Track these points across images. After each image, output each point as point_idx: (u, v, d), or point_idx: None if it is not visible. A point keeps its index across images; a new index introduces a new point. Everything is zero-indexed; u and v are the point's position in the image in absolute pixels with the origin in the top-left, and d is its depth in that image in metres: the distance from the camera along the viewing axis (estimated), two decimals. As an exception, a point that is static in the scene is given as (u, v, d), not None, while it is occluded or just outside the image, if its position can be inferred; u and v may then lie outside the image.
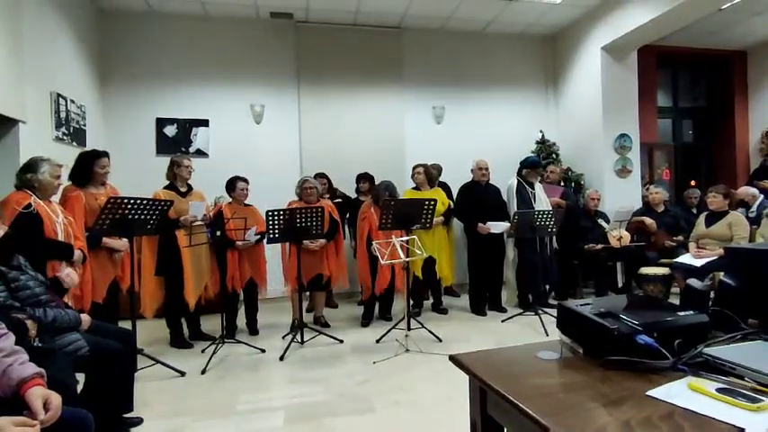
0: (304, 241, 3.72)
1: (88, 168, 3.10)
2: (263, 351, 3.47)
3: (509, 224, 4.20)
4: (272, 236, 3.47)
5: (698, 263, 3.79)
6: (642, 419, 0.83)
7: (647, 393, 0.92)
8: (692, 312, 1.15)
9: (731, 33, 6.13)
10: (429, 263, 4.31)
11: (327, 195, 4.78)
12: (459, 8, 5.23)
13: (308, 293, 4.29)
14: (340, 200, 4.89)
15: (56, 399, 1.23)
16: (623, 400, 0.90)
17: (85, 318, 2.14)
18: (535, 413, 0.87)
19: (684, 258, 3.98)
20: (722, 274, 1.42)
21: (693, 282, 3.70)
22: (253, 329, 4.02)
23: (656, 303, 1.54)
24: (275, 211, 3.45)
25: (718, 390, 0.89)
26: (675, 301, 3.74)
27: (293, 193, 4.12)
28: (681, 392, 0.91)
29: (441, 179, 4.97)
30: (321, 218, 3.59)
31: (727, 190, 4.10)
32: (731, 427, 0.78)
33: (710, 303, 1.34)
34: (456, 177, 5.06)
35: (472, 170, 4.64)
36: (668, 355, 1.02)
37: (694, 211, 5.16)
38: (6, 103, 3.22)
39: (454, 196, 4.79)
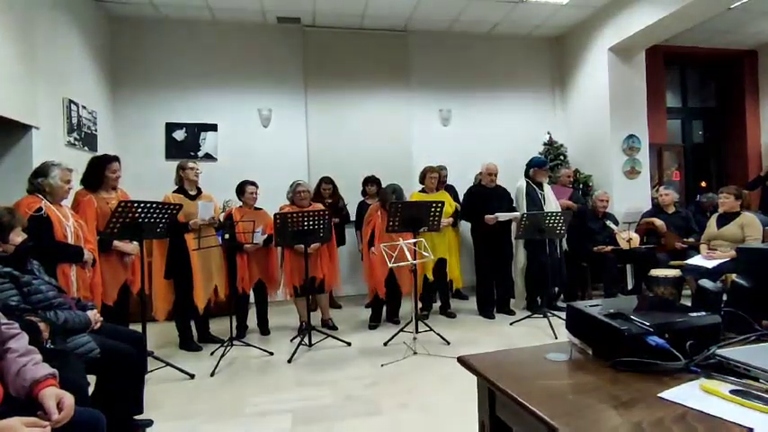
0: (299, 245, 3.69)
1: (99, 173, 3.15)
2: (272, 354, 3.48)
3: (518, 213, 4.20)
4: (279, 239, 3.49)
5: (709, 264, 3.74)
6: (654, 421, 0.82)
7: (658, 395, 0.91)
8: (704, 313, 1.14)
9: (741, 33, 6.07)
10: (440, 265, 4.30)
11: (330, 201, 4.78)
12: (465, 11, 5.23)
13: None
14: (336, 219, 4.69)
15: (69, 399, 1.25)
16: (634, 402, 0.89)
17: (94, 314, 2.14)
18: (545, 415, 0.86)
19: (696, 260, 3.93)
20: (735, 274, 1.40)
21: (705, 282, 3.63)
22: (264, 330, 4.07)
23: (667, 304, 1.52)
24: (283, 214, 3.46)
25: (732, 392, 0.88)
26: (687, 304, 3.68)
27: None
28: (693, 394, 0.90)
29: (447, 182, 4.96)
30: (327, 221, 3.61)
31: (738, 191, 4.04)
32: (746, 430, 0.77)
33: (723, 304, 1.33)
34: (463, 180, 5.05)
35: (480, 173, 4.62)
36: (680, 356, 1.01)
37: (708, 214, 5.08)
38: (20, 109, 3.27)
39: (461, 199, 4.77)
